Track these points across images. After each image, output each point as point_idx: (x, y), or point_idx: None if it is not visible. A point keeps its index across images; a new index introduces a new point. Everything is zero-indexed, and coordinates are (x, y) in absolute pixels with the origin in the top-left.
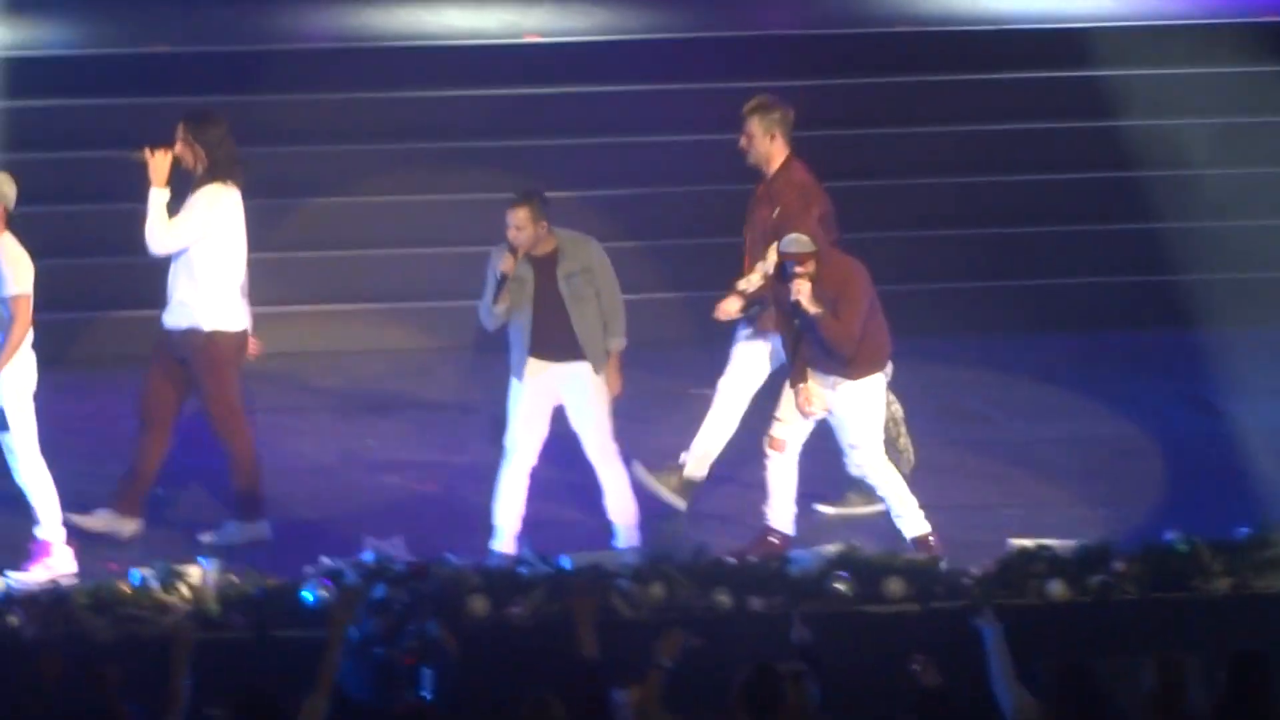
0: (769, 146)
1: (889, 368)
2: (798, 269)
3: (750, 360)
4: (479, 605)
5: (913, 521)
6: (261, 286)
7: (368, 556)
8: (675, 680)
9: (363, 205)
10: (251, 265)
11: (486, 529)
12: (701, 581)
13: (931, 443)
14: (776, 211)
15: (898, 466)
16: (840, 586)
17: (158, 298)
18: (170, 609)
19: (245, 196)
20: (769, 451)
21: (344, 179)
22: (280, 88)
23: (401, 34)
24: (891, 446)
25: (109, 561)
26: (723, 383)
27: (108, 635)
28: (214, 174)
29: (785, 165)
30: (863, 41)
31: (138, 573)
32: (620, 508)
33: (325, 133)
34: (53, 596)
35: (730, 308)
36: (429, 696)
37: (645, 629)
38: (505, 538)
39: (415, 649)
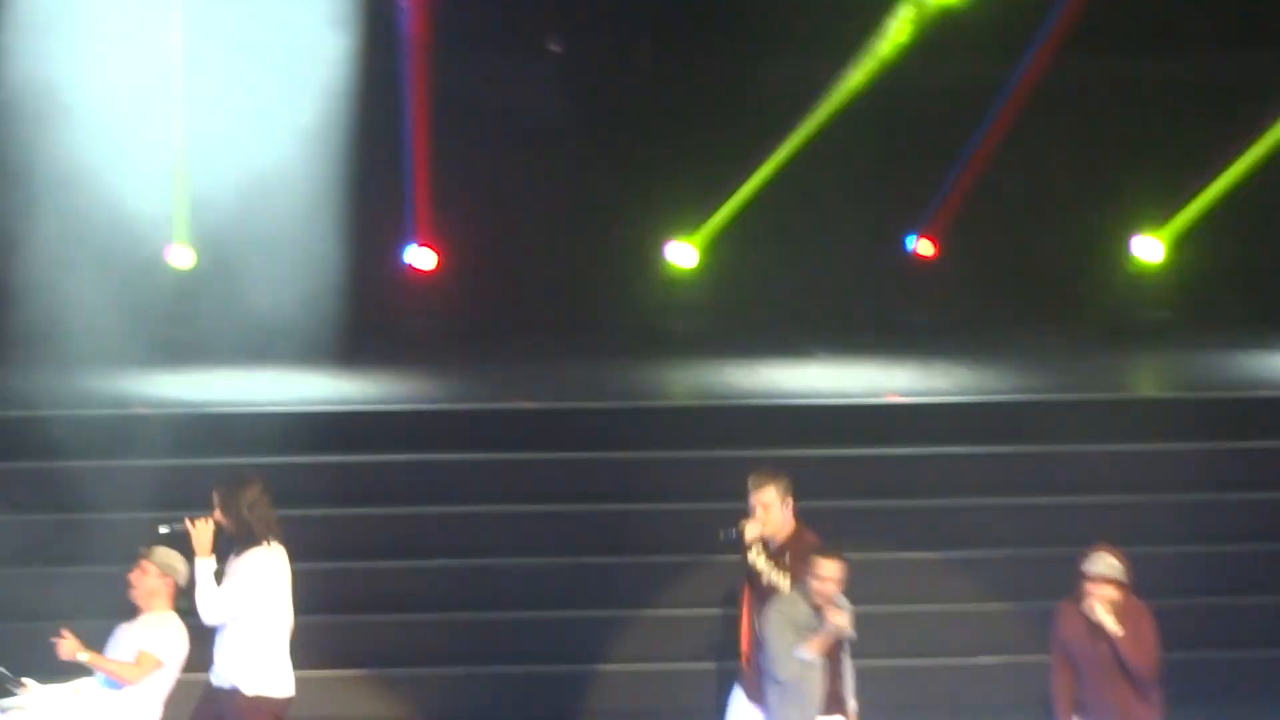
0: (784, 512)
1: None
2: (1097, 590)
3: None
4: None
5: None
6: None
7: None
8: None
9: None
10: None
11: None
12: None
13: None
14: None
15: None
16: None
17: None
18: None
19: (612, 552)
20: None
21: (696, 538)
22: (641, 445)
23: (763, 392)
24: None
25: None
26: None
27: None
28: (252, 539)
29: (799, 528)
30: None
31: None
32: None
33: (689, 491)
34: None
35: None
36: None
37: None
38: None
39: None
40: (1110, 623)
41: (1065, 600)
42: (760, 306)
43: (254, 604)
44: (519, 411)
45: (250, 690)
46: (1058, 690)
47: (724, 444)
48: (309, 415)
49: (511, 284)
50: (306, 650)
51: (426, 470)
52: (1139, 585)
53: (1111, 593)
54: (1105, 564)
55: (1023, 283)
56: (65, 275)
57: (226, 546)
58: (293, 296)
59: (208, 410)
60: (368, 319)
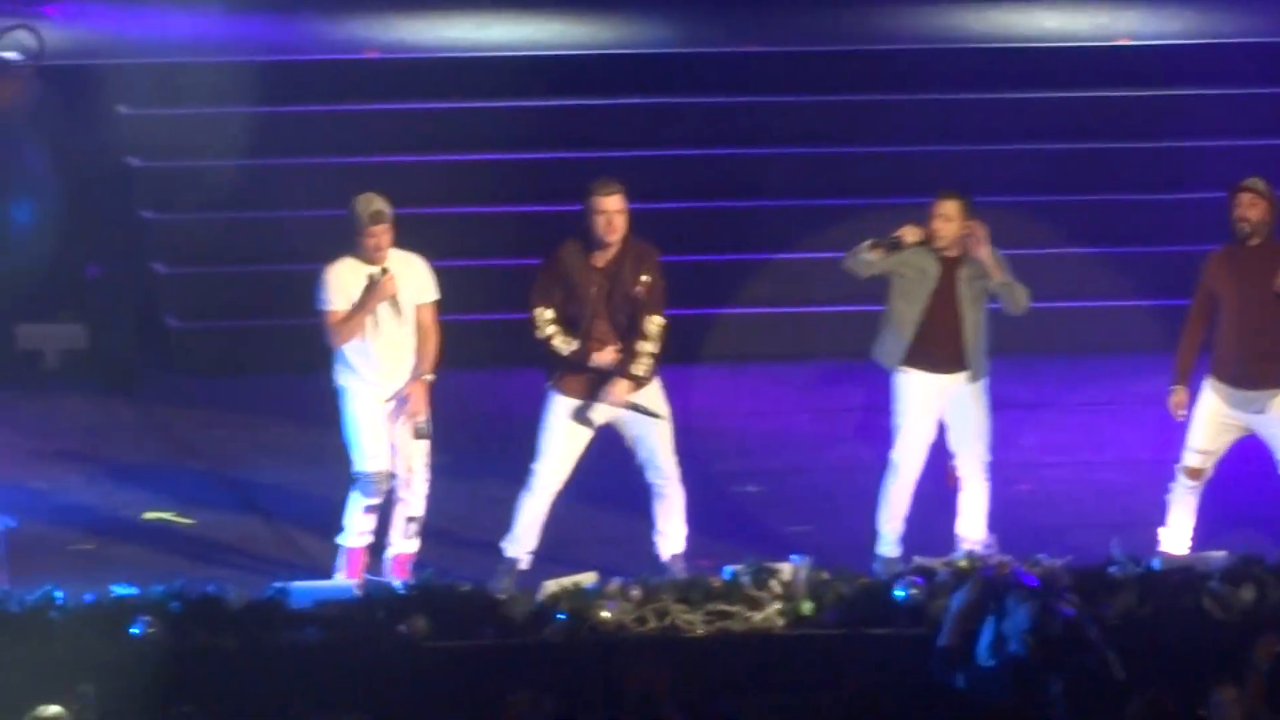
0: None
1: None
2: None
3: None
4: (1073, 600)
5: None
6: None
7: (960, 555)
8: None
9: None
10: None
11: (1076, 528)
12: None
13: None
14: None
15: None
16: None
17: None
18: (761, 604)
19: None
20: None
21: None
22: (871, 88)
23: (993, 35)
24: None
25: (701, 558)
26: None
27: (698, 630)
28: None
29: None
30: None
31: (729, 569)
32: (974, 522)
33: (924, 133)
34: (644, 590)
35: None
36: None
37: (1236, 630)
38: (890, 543)
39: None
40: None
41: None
42: None
43: None
44: (746, 55)
45: None
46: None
47: (955, 87)
48: (540, 60)
49: None
50: None
51: (661, 113)
52: None
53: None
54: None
55: None
56: None
57: None
58: None
59: (438, 55)
60: None
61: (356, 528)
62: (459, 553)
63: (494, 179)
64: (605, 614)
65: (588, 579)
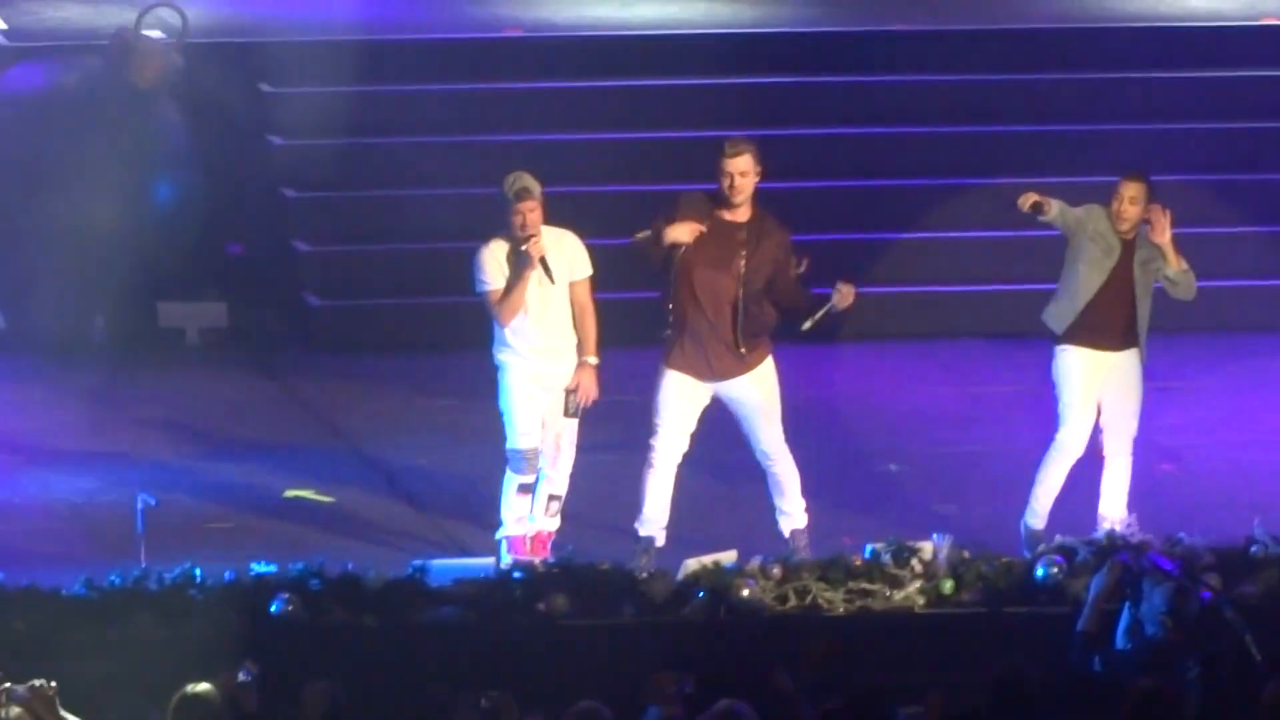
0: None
1: None
2: None
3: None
4: (1211, 582)
5: None
6: None
7: (1101, 534)
8: None
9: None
10: None
11: (1217, 507)
12: None
13: None
14: None
15: None
16: None
17: None
18: (902, 583)
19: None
20: None
21: (1077, 159)
22: (1017, 68)
23: (1139, 15)
24: None
25: (845, 535)
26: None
27: (839, 609)
28: None
29: None
30: None
31: (870, 547)
32: (1116, 501)
33: (1070, 111)
34: (785, 568)
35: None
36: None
37: None
38: (1039, 516)
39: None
40: None
41: None
42: None
43: None
44: (889, 34)
45: None
46: None
47: (1101, 67)
48: (684, 39)
49: None
50: None
51: (806, 92)
52: None
53: None
54: None
55: None
56: None
57: None
58: None
59: (582, 34)
60: None
61: (514, 513)
62: (599, 532)
63: (637, 158)
64: (745, 592)
65: (728, 557)
